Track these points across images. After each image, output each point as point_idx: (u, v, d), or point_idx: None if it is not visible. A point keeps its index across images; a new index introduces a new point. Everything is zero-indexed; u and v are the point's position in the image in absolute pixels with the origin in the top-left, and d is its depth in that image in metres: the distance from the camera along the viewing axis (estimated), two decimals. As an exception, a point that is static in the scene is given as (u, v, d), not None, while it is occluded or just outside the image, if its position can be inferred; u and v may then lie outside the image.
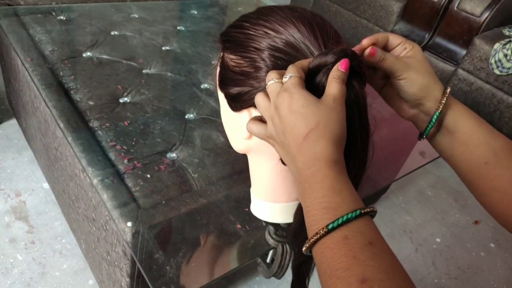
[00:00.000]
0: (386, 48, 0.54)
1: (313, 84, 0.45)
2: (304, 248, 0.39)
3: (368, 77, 0.53)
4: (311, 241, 0.38)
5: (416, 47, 0.53)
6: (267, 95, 0.46)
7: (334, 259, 0.36)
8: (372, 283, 0.33)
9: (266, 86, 0.45)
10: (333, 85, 0.43)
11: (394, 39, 0.54)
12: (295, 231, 0.54)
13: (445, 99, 0.48)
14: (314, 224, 0.38)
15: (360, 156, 0.48)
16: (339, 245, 0.36)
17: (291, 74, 0.43)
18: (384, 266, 0.35)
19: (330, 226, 0.36)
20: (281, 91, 0.43)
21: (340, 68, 0.43)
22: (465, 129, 0.48)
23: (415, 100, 0.50)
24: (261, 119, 0.49)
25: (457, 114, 0.49)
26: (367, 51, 0.49)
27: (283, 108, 0.42)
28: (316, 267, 0.38)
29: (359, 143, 0.47)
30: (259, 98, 0.46)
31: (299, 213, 0.52)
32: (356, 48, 0.49)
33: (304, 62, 0.45)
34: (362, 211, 0.37)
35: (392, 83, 0.51)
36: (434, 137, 0.51)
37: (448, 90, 0.49)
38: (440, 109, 0.48)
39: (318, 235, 0.37)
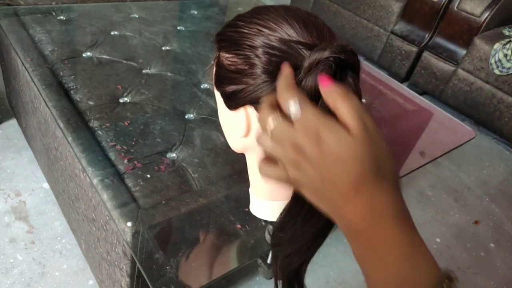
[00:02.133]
0: None
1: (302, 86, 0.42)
2: None
3: None
4: None
5: None
6: (269, 136, 0.36)
7: None
8: None
9: (269, 132, 0.36)
10: (344, 109, 0.33)
11: None
12: (277, 235, 0.52)
13: None
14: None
15: None
16: None
17: (294, 100, 0.34)
18: None
19: None
20: (296, 127, 0.34)
21: (326, 88, 0.36)
22: None
23: None
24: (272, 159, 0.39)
25: None
26: None
27: (311, 150, 0.33)
28: None
29: None
30: (265, 142, 0.36)
31: (286, 213, 0.51)
32: None
33: (289, 77, 0.38)
34: (445, 286, 0.30)
35: None
36: None
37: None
38: None
39: None
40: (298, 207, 0.51)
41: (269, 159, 0.38)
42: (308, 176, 0.34)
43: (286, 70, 0.38)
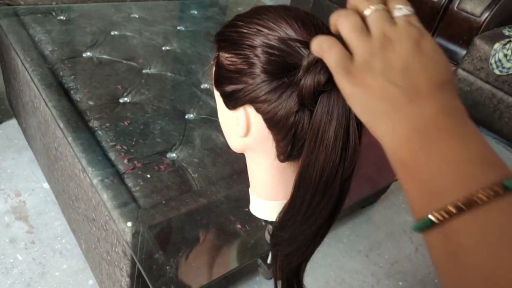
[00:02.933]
0: None
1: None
2: (432, 218, 0.29)
3: None
4: (469, 200, 0.28)
5: None
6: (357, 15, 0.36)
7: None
8: None
9: (366, 14, 0.36)
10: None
11: None
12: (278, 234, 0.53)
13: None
14: (465, 181, 0.29)
15: (357, 150, 0.48)
16: None
17: (406, 7, 0.35)
18: None
19: (506, 183, 0.28)
20: (403, 24, 0.34)
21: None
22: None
23: None
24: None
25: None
26: None
27: (407, 43, 0.33)
28: (467, 240, 0.28)
29: (356, 136, 0.47)
30: (352, 18, 0.36)
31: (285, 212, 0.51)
32: None
33: None
34: None
35: None
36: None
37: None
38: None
39: (487, 195, 0.28)
40: (297, 206, 0.51)
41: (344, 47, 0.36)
42: (387, 65, 0.34)
43: None
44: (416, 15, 0.35)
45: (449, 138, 0.31)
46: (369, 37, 0.35)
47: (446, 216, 0.28)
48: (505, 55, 2.07)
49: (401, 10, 0.35)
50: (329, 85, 0.45)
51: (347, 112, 0.46)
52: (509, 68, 2.07)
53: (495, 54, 2.11)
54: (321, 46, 0.38)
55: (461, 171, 0.30)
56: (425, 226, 0.29)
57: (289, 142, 0.50)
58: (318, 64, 0.44)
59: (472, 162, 0.30)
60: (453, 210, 0.28)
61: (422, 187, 0.31)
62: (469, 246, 0.28)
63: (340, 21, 0.36)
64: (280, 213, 0.53)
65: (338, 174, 0.45)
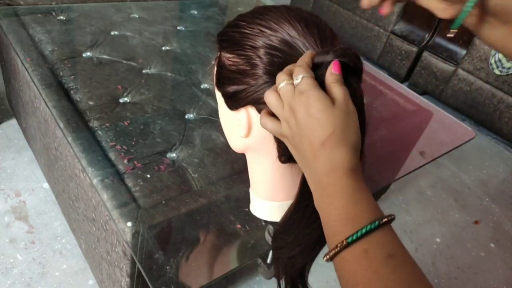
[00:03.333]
0: None
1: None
2: (324, 259, 0.39)
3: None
4: (331, 254, 0.38)
5: None
6: (277, 93, 0.45)
7: (355, 273, 0.35)
8: None
9: (278, 88, 0.44)
10: (336, 89, 0.42)
11: None
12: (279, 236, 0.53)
13: None
14: (333, 236, 0.38)
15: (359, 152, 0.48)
16: (359, 259, 0.36)
17: (303, 75, 0.43)
18: (406, 279, 0.35)
19: (349, 240, 0.36)
20: (296, 93, 0.42)
21: (333, 71, 0.43)
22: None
23: None
24: (273, 114, 0.47)
25: None
26: None
27: (300, 112, 0.41)
28: (338, 278, 0.38)
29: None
30: (271, 97, 0.45)
31: (290, 215, 0.52)
32: None
33: (307, 59, 0.45)
34: (381, 222, 0.37)
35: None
36: (487, 33, 0.48)
37: None
38: None
39: (338, 248, 0.37)
40: (302, 210, 0.51)
41: (270, 113, 0.47)
42: (292, 132, 0.43)
43: (308, 53, 0.46)
44: (307, 76, 0.43)
45: (326, 196, 0.40)
46: (283, 108, 0.44)
47: (328, 259, 0.39)
48: (505, 55, 2.07)
49: (296, 80, 0.43)
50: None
51: None
52: (509, 68, 2.07)
53: (495, 54, 2.11)
54: (265, 124, 0.47)
55: (330, 227, 0.39)
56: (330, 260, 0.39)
57: None
58: (322, 67, 0.44)
59: (336, 221, 0.38)
60: (327, 257, 0.38)
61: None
62: (339, 281, 0.38)
63: (265, 98, 0.46)
64: (284, 217, 0.53)
65: None
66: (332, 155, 0.40)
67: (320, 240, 0.51)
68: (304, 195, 0.50)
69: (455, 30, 0.49)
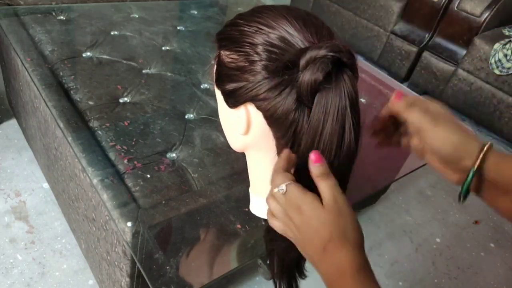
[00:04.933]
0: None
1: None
2: None
3: (391, 136, 0.54)
4: None
5: (441, 106, 0.51)
6: (275, 199, 0.47)
7: None
8: None
9: (273, 193, 0.47)
10: (322, 185, 0.43)
11: (410, 99, 0.51)
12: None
13: (482, 155, 0.45)
14: None
15: (352, 148, 0.48)
16: None
17: (285, 183, 0.45)
18: None
19: None
20: (286, 201, 0.44)
21: (314, 164, 0.44)
22: (508, 178, 0.44)
23: (454, 161, 0.47)
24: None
25: (499, 166, 0.45)
26: (393, 95, 0.48)
27: (296, 219, 0.43)
28: None
29: (351, 134, 0.47)
30: (269, 203, 0.47)
31: None
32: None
33: (282, 163, 0.47)
34: None
35: (426, 144, 0.49)
36: (494, 201, 0.48)
37: (489, 144, 0.45)
38: (477, 164, 0.45)
39: None
40: None
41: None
42: (294, 236, 0.45)
43: (283, 154, 0.48)
44: (290, 183, 0.45)
45: None
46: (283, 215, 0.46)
47: None
48: (505, 55, 2.07)
49: (281, 190, 0.45)
50: (326, 83, 0.45)
51: (343, 109, 0.46)
52: (509, 68, 2.07)
53: (495, 54, 2.11)
54: (269, 221, 0.49)
55: None
56: None
57: (289, 139, 0.50)
58: (316, 62, 0.44)
59: None
60: None
61: None
62: None
63: (266, 201, 0.48)
64: None
65: (333, 169, 0.45)
66: (335, 259, 0.41)
67: None
68: None
69: (465, 196, 0.48)
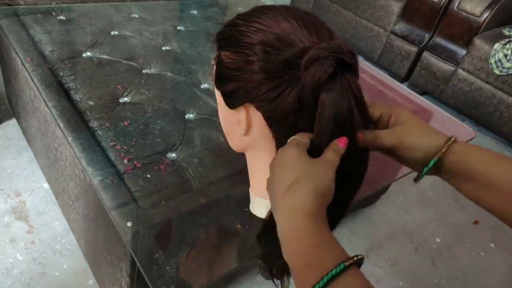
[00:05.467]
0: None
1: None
2: None
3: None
4: None
5: (398, 110, 0.50)
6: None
7: None
8: None
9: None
10: (331, 154, 0.44)
11: (374, 112, 0.52)
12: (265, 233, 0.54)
13: (445, 148, 0.46)
14: (298, 282, 0.37)
15: (362, 150, 0.48)
16: None
17: (295, 136, 0.46)
18: None
19: (316, 286, 0.35)
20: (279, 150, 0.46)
21: (339, 144, 0.45)
22: (484, 173, 0.46)
23: (422, 161, 0.48)
24: None
25: (462, 156, 0.46)
26: (358, 137, 0.48)
27: (276, 161, 0.45)
28: None
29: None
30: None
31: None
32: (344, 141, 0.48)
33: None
34: (347, 263, 0.35)
35: (398, 156, 0.50)
36: (459, 186, 0.50)
37: (453, 138, 0.47)
38: (438, 156, 0.46)
39: None
40: None
41: None
42: (269, 181, 0.46)
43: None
44: (302, 140, 0.46)
45: (287, 241, 0.40)
46: None
47: None
48: (505, 55, 2.07)
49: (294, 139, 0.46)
50: (329, 83, 0.45)
51: (349, 109, 0.46)
52: (509, 68, 2.07)
53: (495, 54, 2.11)
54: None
55: (296, 275, 0.38)
56: None
57: None
58: (319, 62, 0.44)
59: (300, 268, 0.37)
60: None
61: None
62: None
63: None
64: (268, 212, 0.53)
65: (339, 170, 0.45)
66: (294, 198, 0.41)
67: None
68: None
69: (419, 179, 0.53)
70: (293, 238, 0.39)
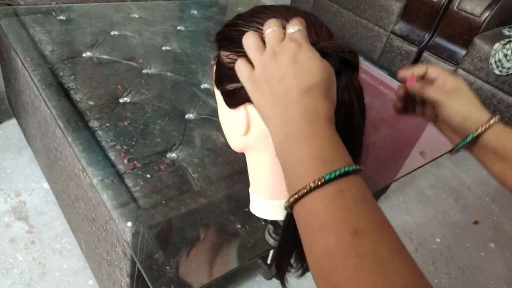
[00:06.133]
0: (426, 78, 0.59)
1: None
2: (286, 204, 0.37)
3: (419, 110, 0.60)
4: (302, 191, 0.35)
5: (454, 78, 0.56)
6: (260, 38, 0.44)
7: (327, 212, 0.34)
8: (365, 235, 0.33)
9: (265, 34, 0.44)
10: None
11: (431, 71, 0.58)
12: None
13: (488, 125, 0.52)
14: (305, 174, 0.36)
15: (360, 140, 0.50)
16: (333, 197, 0.35)
17: (300, 27, 0.43)
18: (376, 221, 0.34)
19: (327, 177, 0.35)
20: (286, 39, 0.42)
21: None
22: (507, 148, 0.52)
23: (463, 130, 0.54)
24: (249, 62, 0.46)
25: (501, 136, 0.52)
26: (407, 82, 0.54)
27: (286, 56, 0.41)
28: (300, 222, 0.36)
29: (359, 127, 0.49)
30: (251, 38, 0.44)
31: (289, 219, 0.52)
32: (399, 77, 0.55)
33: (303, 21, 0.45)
34: (358, 167, 0.37)
35: (439, 115, 0.56)
36: (488, 163, 0.55)
37: (496, 117, 0.53)
38: (479, 131, 0.52)
39: (312, 185, 0.35)
40: None
41: (247, 61, 0.45)
42: (268, 75, 0.41)
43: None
44: (303, 31, 0.43)
45: (302, 138, 0.38)
46: (263, 52, 0.43)
47: (291, 201, 0.37)
48: (505, 55, 2.07)
49: (289, 29, 0.43)
50: None
51: (350, 108, 0.47)
52: (509, 68, 2.07)
53: (495, 54, 2.11)
54: (237, 67, 0.45)
55: (303, 167, 0.37)
56: (289, 208, 0.38)
57: None
58: None
59: (312, 160, 0.37)
60: (291, 200, 0.36)
61: (286, 178, 0.39)
62: (301, 226, 0.36)
63: (243, 41, 0.45)
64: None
65: None
66: (317, 102, 0.39)
67: None
68: None
69: (457, 151, 0.58)
70: (309, 135, 0.38)
